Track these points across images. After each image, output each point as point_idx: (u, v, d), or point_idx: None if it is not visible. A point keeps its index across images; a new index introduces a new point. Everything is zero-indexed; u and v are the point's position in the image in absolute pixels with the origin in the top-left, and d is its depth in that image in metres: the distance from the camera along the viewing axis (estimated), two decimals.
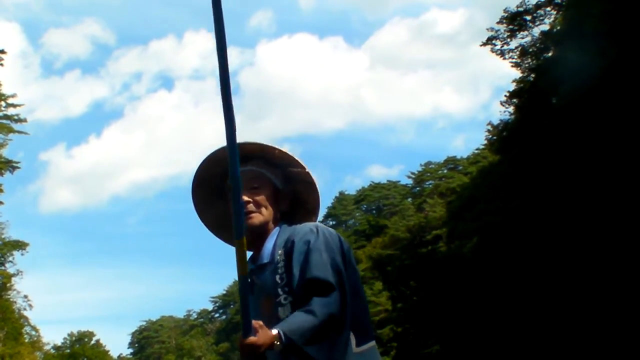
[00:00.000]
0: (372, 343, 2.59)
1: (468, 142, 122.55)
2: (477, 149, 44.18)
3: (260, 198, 2.64)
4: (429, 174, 52.49)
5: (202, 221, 2.87)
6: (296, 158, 2.71)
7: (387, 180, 66.86)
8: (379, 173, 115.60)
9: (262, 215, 2.63)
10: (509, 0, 27.01)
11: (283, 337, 2.28)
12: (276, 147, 2.68)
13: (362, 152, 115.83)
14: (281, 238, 2.61)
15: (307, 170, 2.73)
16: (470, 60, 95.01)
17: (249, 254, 2.72)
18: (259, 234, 2.65)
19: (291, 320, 2.36)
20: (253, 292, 2.61)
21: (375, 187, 66.58)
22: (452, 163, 50.76)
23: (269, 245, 2.63)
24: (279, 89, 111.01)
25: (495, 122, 28.39)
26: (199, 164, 2.76)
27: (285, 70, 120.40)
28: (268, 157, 2.69)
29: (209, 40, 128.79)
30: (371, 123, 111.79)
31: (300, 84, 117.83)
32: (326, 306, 2.37)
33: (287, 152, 2.70)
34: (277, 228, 2.67)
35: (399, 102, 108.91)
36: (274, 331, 2.29)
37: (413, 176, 55.32)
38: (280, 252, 2.57)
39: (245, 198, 2.57)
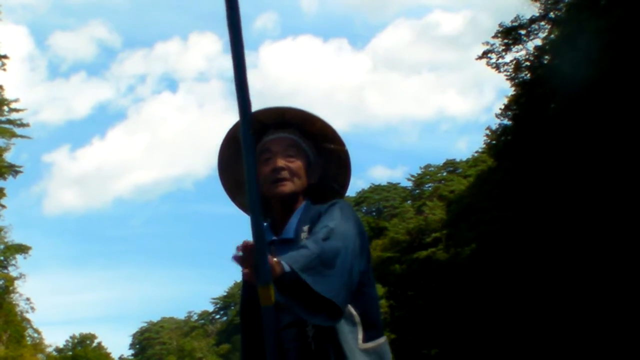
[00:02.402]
0: (382, 339, 2.45)
1: (472, 144, 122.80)
2: (476, 152, 44.40)
3: (296, 166, 2.53)
4: (428, 177, 52.66)
5: (222, 182, 2.73)
6: (337, 134, 2.62)
7: (387, 182, 67.06)
8: (383, 174, 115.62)
9: (294, 184, 2.52)
10: (511, 1, 27.44)
11: (285, 265, 2.08)
12: (320, 118, 2.59)
13: (365, 153, 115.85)
14: (306, 215, 2.50)
15: (345, 148, 2.64)
16: (474, 62, 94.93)
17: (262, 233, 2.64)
18: (287, 204, 2.54)
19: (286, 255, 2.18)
20: None
21: (376, 188, 66.66)
22: (451, 166, 50.91)
23: (294, 220, 2.52)
24: (282, 90, 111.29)
25: (494, 126, 28.72)
26: (234, 123, 2.63)
27: (288, 72, 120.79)
28: (306, 128, 2.60)
29: (214, 43, 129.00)
30: (374, 125, 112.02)
31: (303, 85, 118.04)
32: (317, 242, 2.21)
33: (330, 125, 2.60)
34: (304, 203, 2.57)
35: (402, 104, 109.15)
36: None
37: (413, 179, 55.57)
38: (305, 228, 2.46)
39: (281, 164, 2.51)
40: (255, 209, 1.94)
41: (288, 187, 2.51)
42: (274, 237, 2.55)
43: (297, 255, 2.15)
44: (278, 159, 2.52)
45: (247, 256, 1.96)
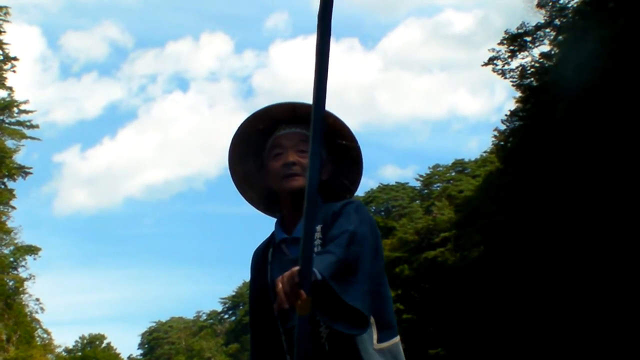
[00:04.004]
0: (396, 339, 2.43)
1: (483, 144, 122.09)
2: (484, 152, 44.32)
3: (308, 161, 2.49)
4: (437, 177, 52.58)
5: (232, 176, 2.70)
6: (349, 130, 2.56)
7: (396, 182, 66.93)
8: (393, 174, 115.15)
9: (305, 179, 2.44)
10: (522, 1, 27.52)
11: (317, 273, 2.04)
12: (332, 114, 2.52)
13: (376, 153, 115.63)
14: (318, 214, 2.37)
15: (357, 145, 2.59)
16: (485, 61, 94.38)
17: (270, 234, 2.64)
18: (298, 200, 2.44)
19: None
20: (281, 262, 2.47)
21: (384, 188, 66.52)
22: (460, 166, 50.81)
23: None
24: (293, 89, 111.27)
25: (502, 127, 28.78)
26: (247, 116, 2.62)
27: (299, 71, 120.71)
28: None
29: (225, 43, 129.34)
30: (385, 124, 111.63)
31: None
32: (342, 247, 2.20)
33: (343, 122, 2.55)
34: None
35: (413, 104, 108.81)
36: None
37: (421, 179, 55.46)
38: (317, 228, 2.38)
39: (292, 159, 2.48)
40: (310, 218, 1.90)
41: (299, 182, 2.45)
42: (285, 235, 2.53)
43: (325, 262, 2.11)
44: (289, 154, 2.48)
45: (294, 292, 1.94)
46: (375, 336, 2.34)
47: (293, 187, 2.47)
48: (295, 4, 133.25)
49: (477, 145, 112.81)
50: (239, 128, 2.61)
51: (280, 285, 1.96)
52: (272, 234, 2.62)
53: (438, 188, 50.96)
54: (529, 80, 26.17)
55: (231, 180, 2.70)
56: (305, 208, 1.91)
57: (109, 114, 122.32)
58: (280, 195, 2.56)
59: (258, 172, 2.65)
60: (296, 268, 1.95)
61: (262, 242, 2.67)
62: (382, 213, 64.26)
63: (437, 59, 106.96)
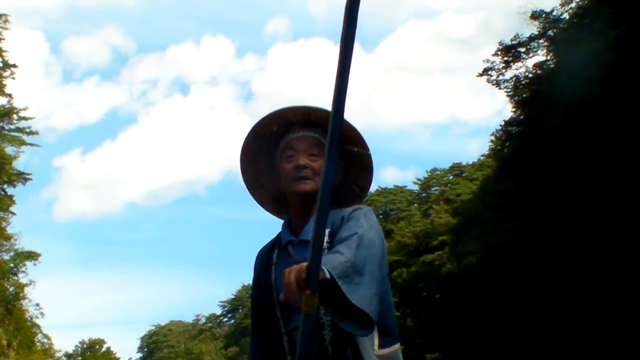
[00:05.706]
0: (397, 346, 2.45)
1: (484, 148, 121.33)
2: (482, 155, 44.44)
3: (319, 166, 2.45)
4: (435, 180, 52.69)
5: (243, 177, 2.70)
6: (362, 137, 2.57)
7: (394, 185, 67.02)
8: (394, 178, 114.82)
9: (315, 183, 2.44)
10: (522, 2, 27.81)
11: (326, 271, 2.04)
12: (346, 120, 2.37)
13: (376, 157, 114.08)
14: (328, 217, 2.31)
15: (369, 152, 2.60)
16: (486, 64, 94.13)
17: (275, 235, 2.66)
18: (307, 203, 2.49)
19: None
20: (287, 264, 2.35)
21: (382, 192, 66.48)
22: (457, 169, 50.95)
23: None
24: (293, 93, 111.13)
25: (499, 133, 28.96)
26: (261, 117, 2.62)
27: (299, 75, 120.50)
28: None
29: (226, 46, 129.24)
30: (385, 128, 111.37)
31: (314, 88, 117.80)
32: (351, 249, 2.21)
33: (355, 128, 2.55)
34: None
35: (413, 107, 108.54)
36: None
37: (419, 182, 55.54)
38: (326, 231, 2.28)
39: (303, 162, 2.50)
40: (322, 216, 1.91)
41: (309, 185, 2.48)
42: (293, 237, 2.55)
43: (334, 261, 2.12)
44: (301, 157, 2.50)
45: (300, 286, 1.94)
46: (376, 342, 2.36)
47: (302, 190, 2.49)
48: (295, 8, 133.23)
49: (477, 149, 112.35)
50: (253, 128, 2.62)
51: (287, 278, 1.96)
52: (278, 235, 2.65)
53: (436, 192, 51.10)
54: (523, 90, 26.41)
55: (242, 179, 2.70)
56: (317, 205, 1.91)
57: (110, 118, 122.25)
58: (289, 197, 2.58)
59: (269, 172, 2.66)
60: (305, 263, 1.95)
61: (267, 242, 2.69)
62: (381, 216, 64.26)
63: (437, 62, 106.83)
